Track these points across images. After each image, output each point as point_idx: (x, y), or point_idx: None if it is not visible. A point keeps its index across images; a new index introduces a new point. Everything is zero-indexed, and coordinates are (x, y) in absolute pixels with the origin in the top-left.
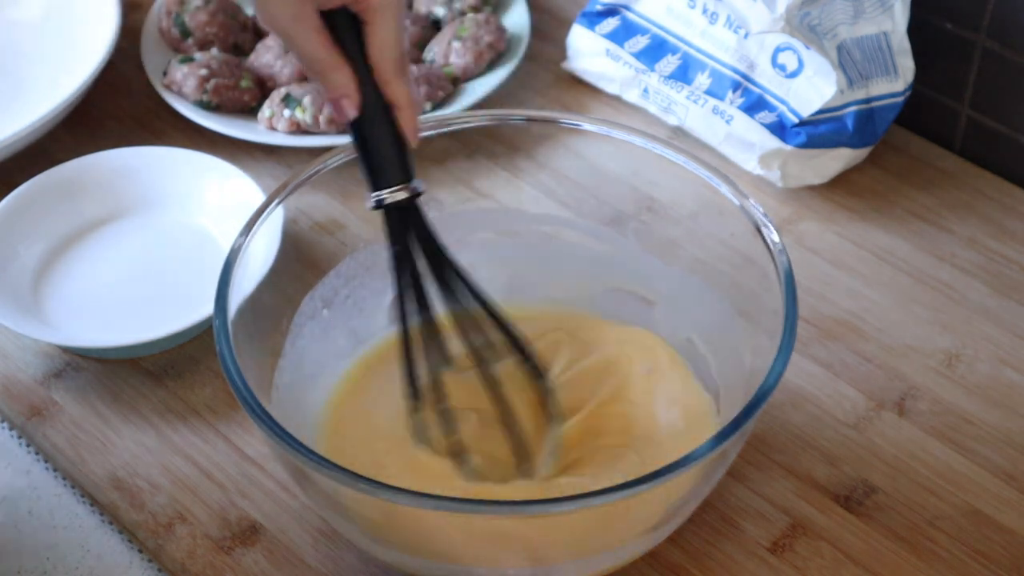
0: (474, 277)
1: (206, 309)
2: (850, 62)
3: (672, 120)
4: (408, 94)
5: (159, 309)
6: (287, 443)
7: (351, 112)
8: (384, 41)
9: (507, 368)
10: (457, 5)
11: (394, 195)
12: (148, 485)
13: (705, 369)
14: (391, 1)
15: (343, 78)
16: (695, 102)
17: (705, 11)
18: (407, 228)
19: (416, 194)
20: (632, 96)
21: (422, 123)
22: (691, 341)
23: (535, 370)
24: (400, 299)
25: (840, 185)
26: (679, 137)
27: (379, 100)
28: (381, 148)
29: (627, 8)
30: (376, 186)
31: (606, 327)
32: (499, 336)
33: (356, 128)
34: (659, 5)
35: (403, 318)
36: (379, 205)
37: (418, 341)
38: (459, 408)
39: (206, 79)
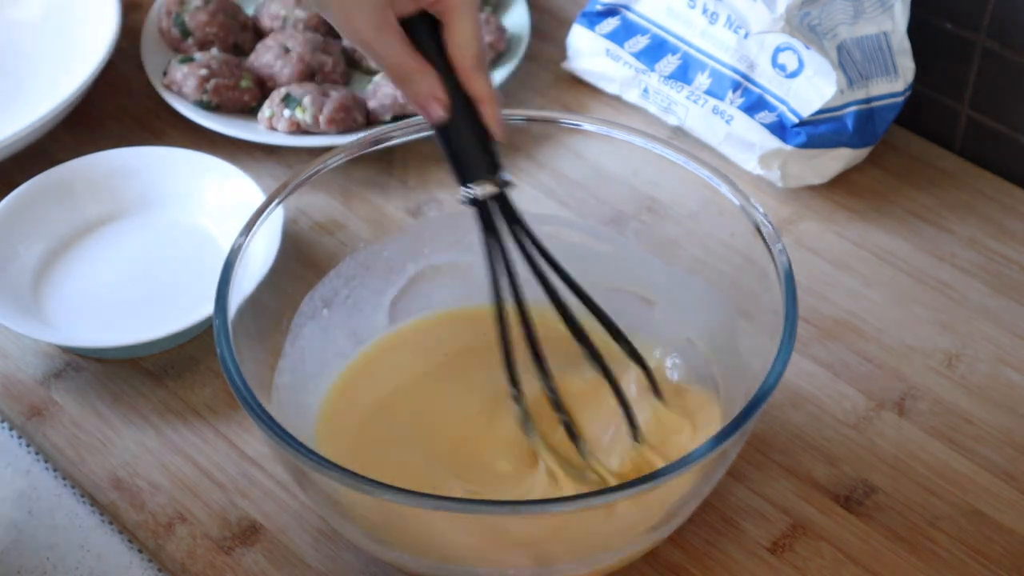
0: (566, 266)
1: (206, 309)
2: (850, 62)
3: (672, 120)
4: (490, 88)
5: (159, 309)
6: (287, 443)
7: (441, 114)
8: (464, 39)
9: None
10: None
11: (484, 189)
12: (148, 485)
13: (705, 369)
14: (468, 0)
15: (431, 81)
16: (695, 102)
17: (705, 11)
18: (498, 219)
19: (505, 185)
20: (632, 96)
21: (423, 123)
22: (691, 341)
23: (634, 354)
24: (495, 290)
25: (840, 185)
26: (679, 137)
27: (462, 98)
28: (468, 144)
29: (627, 8)
30: (466, 181)
31: None
32: (592, 324)
33: (443, 127)
34: (659, 5)
35: (500, 309)
36: (472, 201)
37: (514, 332)
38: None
39: (206, 79)
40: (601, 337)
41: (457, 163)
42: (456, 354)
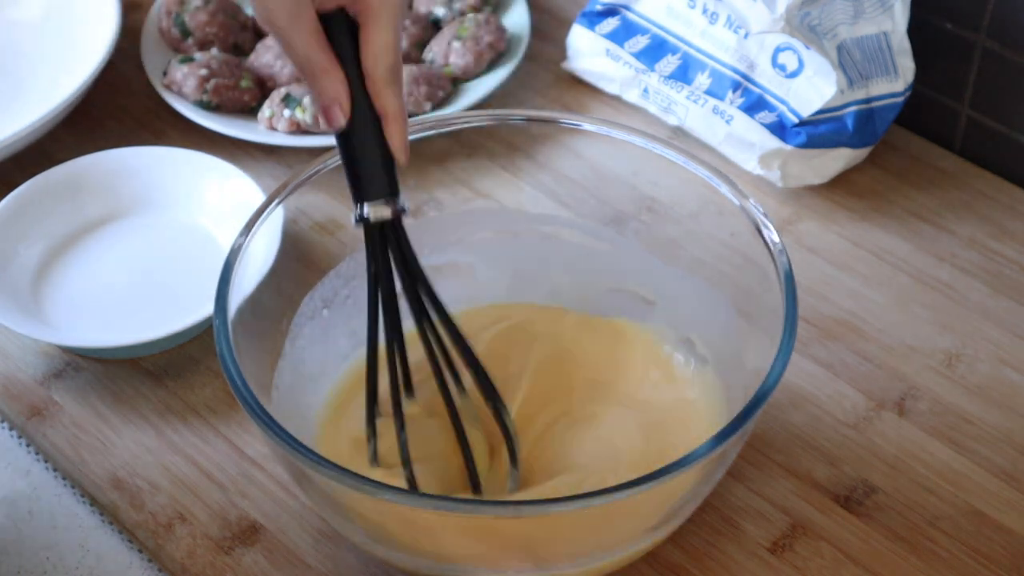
0: (446, 304)
1: (206, 309)
2: (850, 62)
3: (672, 120)
4: (399, 106)
5: (159, 309)
6: (287, 443)
7: (340, 120)
8: (379, 46)
9: (470, 392)
10: (457, 5)
11: (378, 211)
12: (148, 485)
13: (705, 369)
14: (389, 4)
15: (335, 83)
16: (695, 102)
17: (705, 11)
18: (387, 247)
19: (400, 212)
20: (632, 96)
21: (422, 123)
22: (691, 341)
23: (493, 395)
24: (372, 318)
25: (840, 185)
26: (679, 137)
27: (370, 110)
28: (367, 160)
29: (627, 8)
30: (359, 198)
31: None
32: (464, 361)
33: (343, 137)
34: (659, 5)
35: (373, 337)
36: (361, 219)
37: (384, 363)
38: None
39: (206, 79)
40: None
41: (353, 178)
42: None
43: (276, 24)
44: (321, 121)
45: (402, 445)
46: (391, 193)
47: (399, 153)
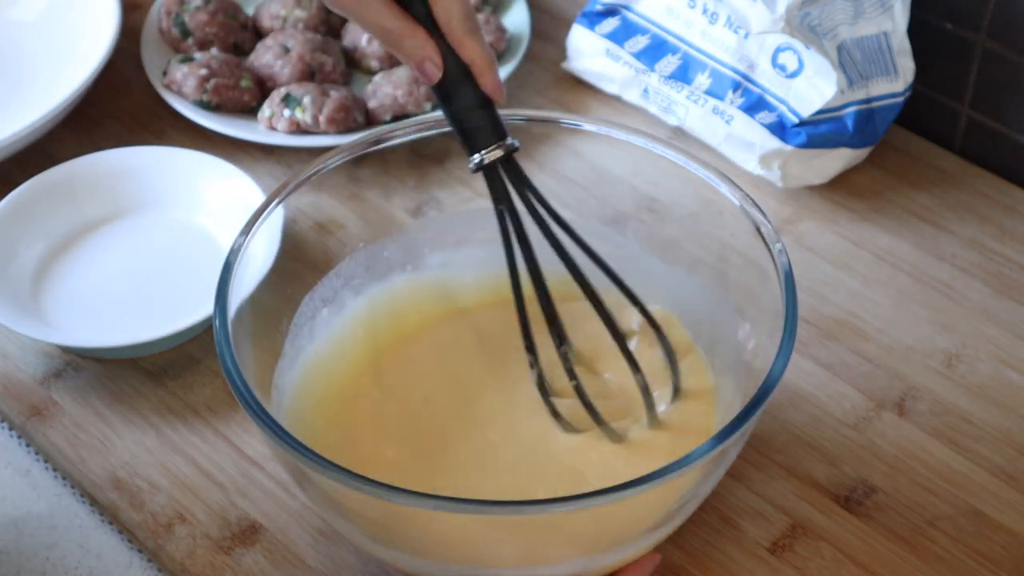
0: (577, 228)
1: (206, 309)
2: (850, 62)
3: (672, 120)
4: (483, 51)
5: (159, 309)
6: (287, 443)
7: (435, 72)
8: (447, 3)
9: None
10: None
11: (491, 154)
12: (148, 485)
13: (704, 368)
14: None
15: (420, 42)
16: (695, 102)
17: (705, 11)
18: (508, 184)
19: (512, 149)
20: (632, 96)
21: (422, 123)
22: (691, 341)
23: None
24: (510, 256)
25: (840, 185)
26: (679, 137)
27: (458, 63)
28: (469, 110)
29: (627, 8)
30: (472, 148)
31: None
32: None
33: (441, 93)
34: (659, 5)
35: (515, 276)
36: (479, 167)
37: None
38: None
39: (206, 79)
40: (616, 300)
41: (461, 130)
42: (456, 353)
43: (346, 5)
44: (322, 120)
45: (564, 359)
46: (500, 136)
47: (496, 94)
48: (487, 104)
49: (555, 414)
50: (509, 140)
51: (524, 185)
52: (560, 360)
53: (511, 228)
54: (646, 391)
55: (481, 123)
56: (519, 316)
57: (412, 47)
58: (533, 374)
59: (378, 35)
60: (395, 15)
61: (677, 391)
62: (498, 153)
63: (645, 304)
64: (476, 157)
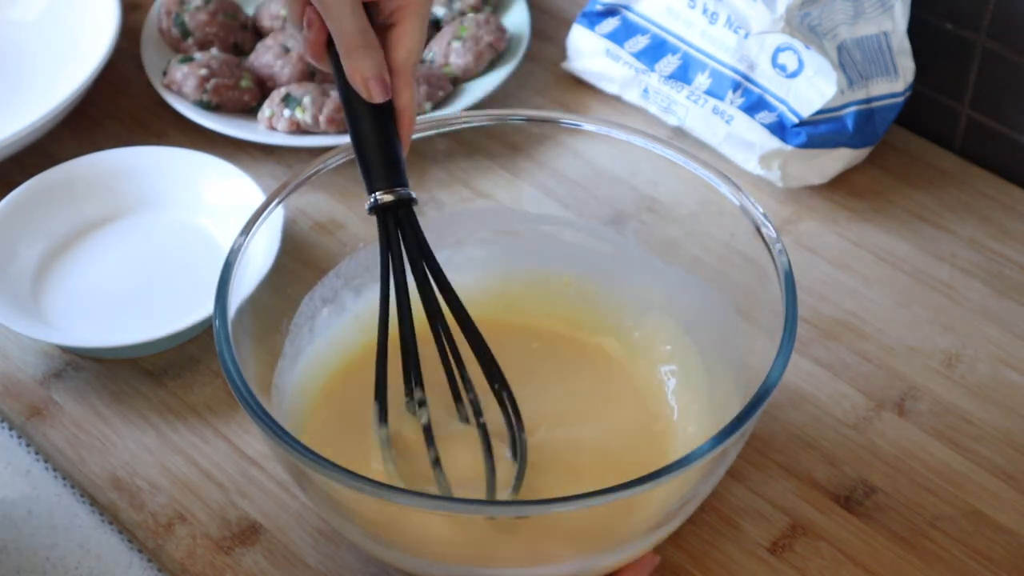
0: (457, 293)
1: (206, 309)
2: (850, 62)
3: (672, 120)
4: (414, 103)
5: (159, 309)
6: (287, 443)
7: (380, 95)
8: (412, 45)
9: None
10: (457, 5)
11: (393, 196)
12: (148, 485)
13: (705, 369)
14: (424, 8)
15: (380, 58)
16: (695, 102)
17: (705, 11)
18: (400, 234)
19: (408, 199)
20: (632, 96)
21: (421, 123)
22: (691, 341)
23: (499, 381)
24: (384, 305)
25: (840, 185)
26: (679, 137)
27: (389, 101)
28: (382, 148)
29: (627, 8)
30: (372, 187)
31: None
32: (474, 351)
33: (362, 122)
34: (659, 5)
35: (385, 325)
36: (376, 205)
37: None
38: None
39: (206, 79)
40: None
41: (367, 166)
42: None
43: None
44: (322, 120)
45: (425, 427)
46: (403, 183)
47: (406, 144)
48: (398, 147)
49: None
50: (407, 190)
51: (417, 239)
52: (458, 381)
53: (392, 282)
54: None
55: (392, 162)
56: (379, 371)
57: (370, 59)
58: (422, 414)
59: (344, 38)
60: (367, 25)
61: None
62: (391, 197)
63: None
64: (377, 196)
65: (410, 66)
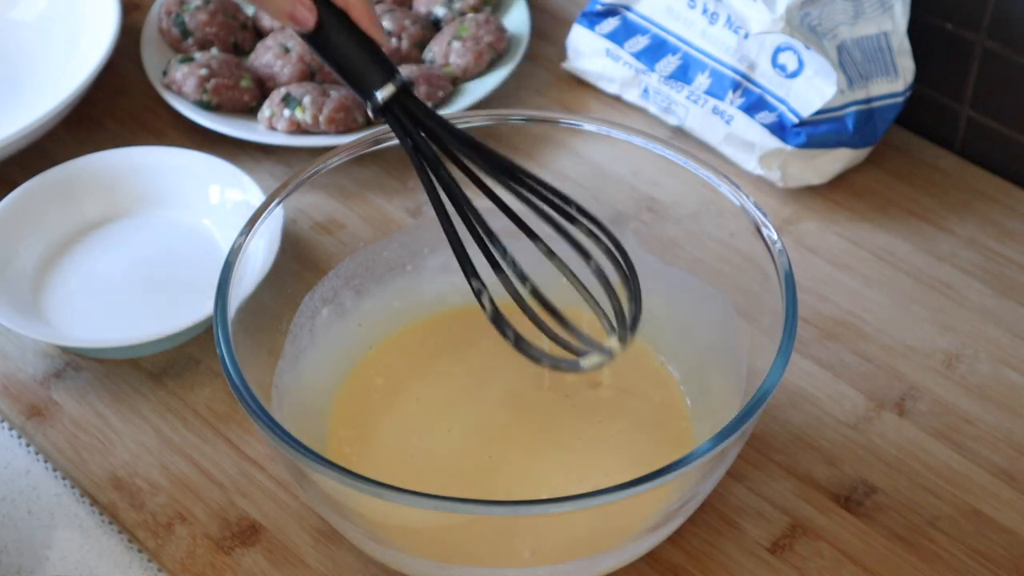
0: (482, 142)
1: (206, 309)
2: (850, 62)
3: (672, 120)
4: (367, 11)
5: (159, 309)
6: (287, 443)
7: (308, 17)
8: None
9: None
10: (457, 5)
11: (385, 92)
12: (148, 485)
13: (705, 369)
14: None
15: None
16: (695, 102)
17: (705, 11)
18: (410, 120)
19: (406, 85)
20: (632, 96)
21: None
22: (691, 341)
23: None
24: (433, 195)
25: (840, 185)
26: (679, 137)
27: (332, 9)
28: (353, 55)
29: (627, 8)
30: (365, 91)
31: None
32: (538, 207)
33: (322, 44)
34: (659, 5)
35: (443, 211)
36: (375, 108)
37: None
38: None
39: (206, 79)
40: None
41: (349, 78)
42: (456, 353)
43: None
44: (321, 120)
45: (510, 264)
46: (389, 74)
47: (375, 31)
48: (369, 44)
49: (535, 358)
50: (400, 76)
51: (428, 117)
52: (508, 271)
53: (427, 166)
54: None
55: (364, 64)
56: (457, 251)
57: None
58: (487, 305)
59: None
60: None
61: (637, 314)
62: (390, 89)
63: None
64: (372, 100)
65: None
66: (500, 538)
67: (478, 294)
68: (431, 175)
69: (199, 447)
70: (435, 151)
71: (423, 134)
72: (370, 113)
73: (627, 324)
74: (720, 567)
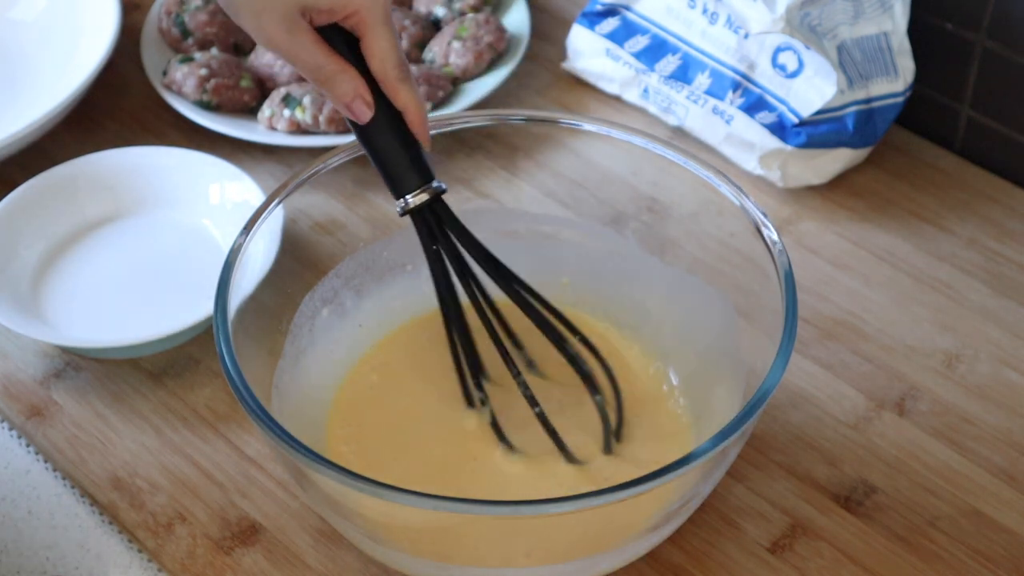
0: (508, 266)
1: (206, 309)
2: (850, 62)
3: (672, 120)
4: (416, 98)
5: (159, 309)
6: (287, 443)
7: (366, 111)
8: (384, 51)
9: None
10: (457, 5)
11: (418, 198)
12: (148, 485)
13: (704, 369)
14: (380, 9)
15: (351, 79)
16: (695, 102)
17: (705, 11)
18: (437, 227)
19: (439, 192)
20: (632, 96)
21: None
22: (691, 341)
23: (574, 353)
24: (443, 300)
25: (840, 185)
26: (679, 137)
27: (387, 107)
28: (397, 154)
29: (627, 8)
30: (399, 192)
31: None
32: (540, 318)
33: (369, 137)
34: (659, 5)
35: (448, 319)
36: (405, 211)
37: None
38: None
39: (206, 79)
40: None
41: (387, 174)
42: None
43: (279, 45)
44: (321, 120)
45: (523, 386)
46: (426, 179)
47: (424, 139)
48: (414, 146)
49: (509, 445)
50: (436, 183)
51: (455, 227)
52: (519, 388)
53: (449, 267)
54: (602, 410)
55: (406, 166)
56: (456, 366)
57: (344, 84)
58: (485, 411)
59: (310, 74)
60: (326, 54)
61: (620, 419)
62: (424, 197)
63: (584, 335)
64: (402, 201)
65: (390, 68)
66: (500, 538)
67: (482, 402)
68: (450, 281)
69: (199, 447)
70: (462, 257)
71: (448, 237)
72: (398, 211)
73: (610, 432)
74: (720, 567)
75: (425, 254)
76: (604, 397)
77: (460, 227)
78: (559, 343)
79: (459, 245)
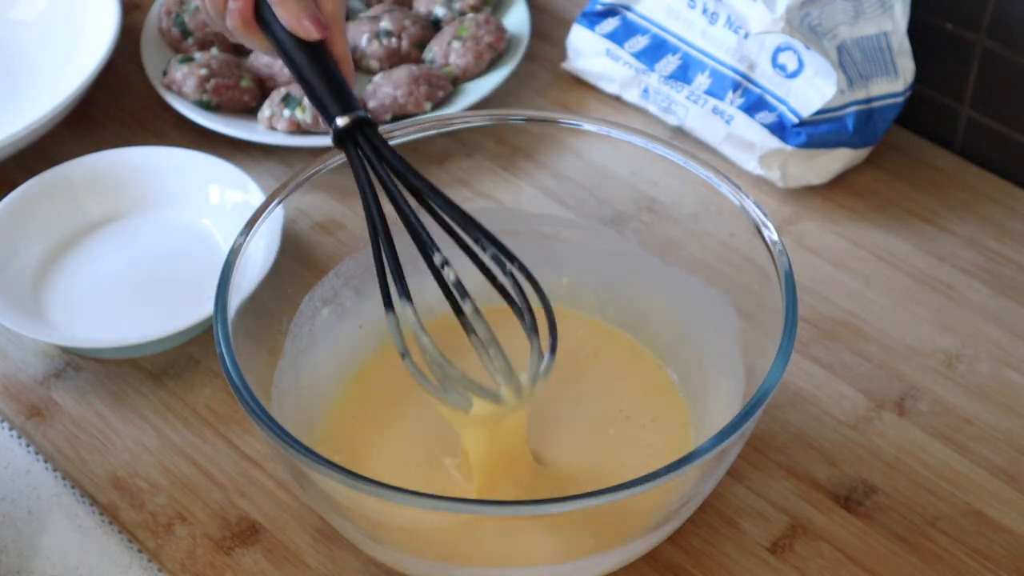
0: (445, 192)
1: (206, 309)
2: (850, 62)
3: (672, 120)
4: (348, 53)
5: (159, 309)
6: (287, 443)
7: (317, 31)
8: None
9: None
10: (457, 5)
11: (351, 118)
12: (148, 485)
13: (705, 369)
14: None
15: (307, 2)
16: (695, 102)
17: (705, 11)
18: (374, 154)
19: (371, 121)
20: (632, 96)
21: (421, 123)
22: (691, 341)
23: (508, 256)
24: (374, 230)
25: (840, 185)
26: (679, 137)
27: (323, 45)
28: (332, 79)
29: (627, 8)
30: (331, 113)
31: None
32: (479, 246)
33: (308, 65)
34: (659, 5)
35: (378, 249)
36: (338, 130)
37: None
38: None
39: (206, 79)
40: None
41: (318, 98)
42: (456, 352)
43: None
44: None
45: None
46: (355, 107)
47: (351, 78)
48: (340, 81)
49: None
50: (363, 113)
51: (385, 152)
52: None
53: (375, 186)
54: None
55: (338, 92)
56: (385, 256)
57: (300, 2)
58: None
59: None
60: None
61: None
62: (347, 121)
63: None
64: (334, 125)
65: (339, 17)
66: (500, 538)
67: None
68: (376, 200)
69: (199, 447)
70: (396, 182)
71: (384, 165)
72: (331, 140)
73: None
74: (720, 567)
75: (359, 186)
76: (531, 321)
77: (389, 150)
78: (488, 274)
79: (395, 177)
